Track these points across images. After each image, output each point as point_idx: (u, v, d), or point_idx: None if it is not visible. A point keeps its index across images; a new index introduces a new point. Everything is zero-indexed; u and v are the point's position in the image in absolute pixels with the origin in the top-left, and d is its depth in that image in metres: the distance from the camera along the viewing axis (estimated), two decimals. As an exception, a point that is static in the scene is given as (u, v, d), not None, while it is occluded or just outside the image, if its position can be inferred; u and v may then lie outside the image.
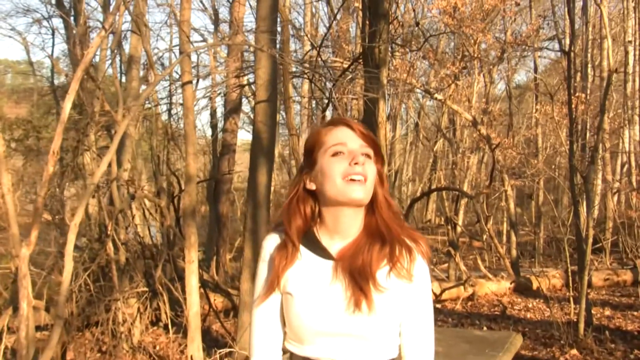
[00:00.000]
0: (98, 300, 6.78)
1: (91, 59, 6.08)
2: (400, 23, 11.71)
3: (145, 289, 7.15)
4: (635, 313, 9.02)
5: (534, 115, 17.61)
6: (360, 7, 11.50)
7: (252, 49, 9.89)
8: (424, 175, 22.60)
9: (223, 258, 11.96)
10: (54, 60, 12.23)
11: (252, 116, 14.51)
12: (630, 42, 15.74)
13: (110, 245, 6.92)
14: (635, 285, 10.60)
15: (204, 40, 17.21)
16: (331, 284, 1.68)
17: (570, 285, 8.40)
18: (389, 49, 9.53)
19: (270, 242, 1.78)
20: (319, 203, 1.75)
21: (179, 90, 9.17)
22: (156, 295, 7.23)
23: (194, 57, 13.73)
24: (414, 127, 23.55)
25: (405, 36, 12.70)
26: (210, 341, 7.30)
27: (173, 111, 12.84)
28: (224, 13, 23.97)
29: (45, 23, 15.17)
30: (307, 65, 10.89)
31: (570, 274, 8.44)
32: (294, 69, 11.15)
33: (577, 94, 11.95)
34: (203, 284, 7.76)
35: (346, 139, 1.70)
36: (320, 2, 18.08)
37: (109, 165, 6.53)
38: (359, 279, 1.65)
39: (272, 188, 10.35)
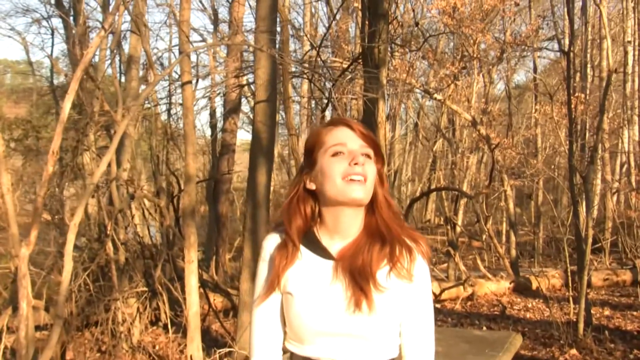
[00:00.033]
0: (97, 300, 6.78)
1: (90, 59, 6.08)
2: (400, 23, 11.72)
3: (145, 288, 7.15)
4: (634, 313, 9.03)
5: (533, 115, 17.63)
6: (360, 7, 11.50)
7: (251, 49, 9.89)
8: (424, 175, 22.60)
9: (222, 258, 11.96)
10: (54, 60, 12.23)
11: (251, 116, 14.52)
12: (629, 42, 15.74)
13: (109, 245, 6.92)
14: (635, 285, 10.60)
15: (204, 40, 17.23)
16: (331, 284, 1.68)
17: (570, 285, 8.39)
18: (389, 49, 9.54)
19: (271, 241, 1.79)
20: (319, 203, 1.75)
21: (179, 90, 9.16)
22: (156, 295, 7.22)
23: (193, 57, 13.74)
24: (413, 127, 23.56)
25: (404, 36, 12.71)
26: (210, 341, 7.30)
27: (172, 111, 12.85)
28: (223, 13, 23.97)
29: (44, 23, 15.19)
30: (306, 65, 10.90)
31: (569, 273, 8.44)
32: (293, 69, 11.14)
33: (576, 94, 11.97)
34: (202, 283, 7.76)
35: (346, 139, 1.70)
36: (319, 2, 18.09)
37: (109, 165, 6.53)
38: (359, 279, 1.65)
39: (272, 188, 10.34)
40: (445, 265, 12.09)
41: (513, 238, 13.11)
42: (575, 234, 8.69)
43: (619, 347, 7.22)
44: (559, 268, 11.81)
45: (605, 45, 13.24)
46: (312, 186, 1.74)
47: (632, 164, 15.81)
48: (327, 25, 17.88)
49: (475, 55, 12.80)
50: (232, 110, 12.84)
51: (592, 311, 8.25)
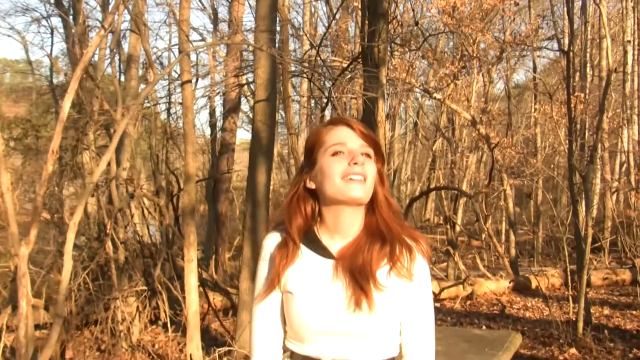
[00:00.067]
0: (97, 299, 6.78)
1: (90, 58, 6.08)
2: (400, 22, 11.71)
3: (144, 287, 7.15)
4: (634, 312, 9.03)
5: (532, 114, 17.62)
6: (359, 6, 11.51)
7: (251, 48, 9.88)
8: (423, 174, 22.62)
9: (222, 257, 11.96)
10: (53, 59, 12.23)
11: (251, 115, 14.51)
12: (629, 41, 15.75)
13: (109, 244, 6.92)
14: (634, 284, 10.60)
15: (203, 39, 17.24)
16: (332, 283, 1.68)
17: (569, 284, 8.40)
18: (388, 48, 9.53)
19: (271, 240, 1.79)
20: (319, 202, 1.75)
21: (178, 90, 9.17)
22: (155, 294, 7.23)
23: (193, 57, 13.74)
24: (413, 127, 23.58)
25: (404, 35, 12.70)
26: (209, 340, 7.30)
27: (172, 110, 12.88)
28: (223, 12, 23.96)
29: (44, 22, 15.18)
30: (306, 64, 10.90)
31: (569, 273, 8.44)
32: (293, 68, 11.13)
33: (576, 94, 11.97)
34: (202, 282, 7.76)
35: (346, 139, 1.70)
36: (319, 1, 18.12)
37: (108, 164, 6.54)
38: (359, 278, 1.65)
39: (271, 187, 10.34)
40: (445, 264, 12.09)
41: (512, 237, 13.11)
42: (574, 233, 8.69)
43: (618, 346, 7.22)
44: (558, 267, 11.82)
45: (604, 44, 13.25)
46: (312, 185, 1.74)
47: (632, 163, 15.83)
48: (326, 24, 17.90)
49: (474, 55, 12.80)
50: (231, 109, 12.84)
51: (591, 310, 8.25)
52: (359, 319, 1.65)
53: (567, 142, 10.76)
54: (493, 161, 11.61)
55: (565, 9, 14.73)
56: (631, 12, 16.00)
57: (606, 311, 9.17)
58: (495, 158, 11.74)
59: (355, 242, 1.72)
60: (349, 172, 1.66)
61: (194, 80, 11.99)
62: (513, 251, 12.80)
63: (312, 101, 16.68)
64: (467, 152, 17.02)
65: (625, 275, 11.35)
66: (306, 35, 16.28)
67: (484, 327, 8.40)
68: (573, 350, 6.98)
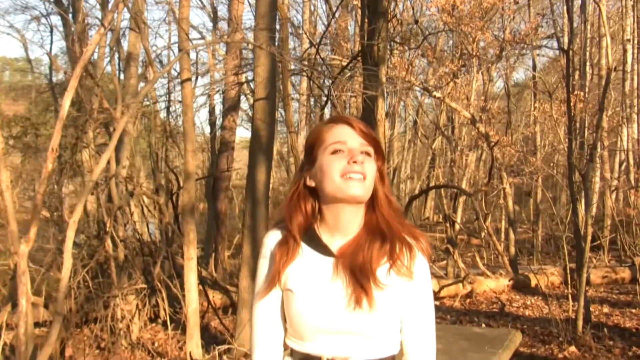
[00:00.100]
0: (97, 297, 6.78)
1: (90, 56, 6.08)
2: (399, 21, 11.73)
3: (144, 285, 7.15)
4: (633, 310, 9.04)
5: (532, 113, 17.60)
6: (359, 5, 11.51)
7: (250, 46, 9.88)
8: (423, 172, 22.64)
9: (221, 255, 11.97)
10: (53, 57, 12.22)
11: (250, 114, 14.52)
12: (628, 40, 15.73)
13: (109, 242, 6.92)
14: (634, 282, 10.61)
15: (203, 37, 17.20)
16: (332, 281, 1.68)
17: (569, 282, 8.41)
18: (388, 46, 9.54)
19: (271, 238, 1.79)
20: (319, 200, 1.75)
21: (178, 88, 9.20)
22: (155, 292, 7.23)
23: (192, 55, 13.77)
24: (412, 125, 23.59)
25: (404, 34, 12.72)
26: (209, 338, 7.30)
27: (172, 108, 12.85)
28: (222, 11, 23.99)
29: (43, 20, 15.15)
30: (305, 62, 10.91)
31: (568, 271, 8.45)
32: (292, 67, 11.14)
33: (575, 92, 11.97)
34: (202, 281, 7.77)
35: (346, 137, 1.70)
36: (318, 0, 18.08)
37: (108, 162, 6.53)
38: (359, 276, 1.65)
39: (271, 185, 10.35)
40: (444, 262, 12.10)
41: (512, 235, 13.12)
42: (574, 232, 8.70)
43: (617, 344, 7.23)
44: (557, 265, 11.83)
45: (604, 43, 13.25)
46: (312, 183, 1.74)
47: (631, 161, 15.80)
48: (326, 23, 17.89)
49: (474, 53, 12.79)
50: (231, 107, 12.84)
51: (591, 308, 8.26)
52: (359, 317, 1.65)
53: (566, 140, 10.77)
54: (492, 160, 11.61)
55: (564, 7, 14.73)
56: (631, 11, 15.98)
57: (606, 309, 9.18)
58: (494, 156, 11.74)
59: (356, 240, 1.72)
60: (349, 170, 1.66)
61: (193, 79, 11.98)
62: (512, 249, 12.81)
63: (312, 99, 16.70)
64: (467, 150, 17.00)
65: (625, 273, 11.36)
66: (306, 33, 16.28)
67: (483, 325, 8.41)
68: (572, 349, 6.98)
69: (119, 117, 6.07)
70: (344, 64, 10.62)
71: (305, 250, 1.73)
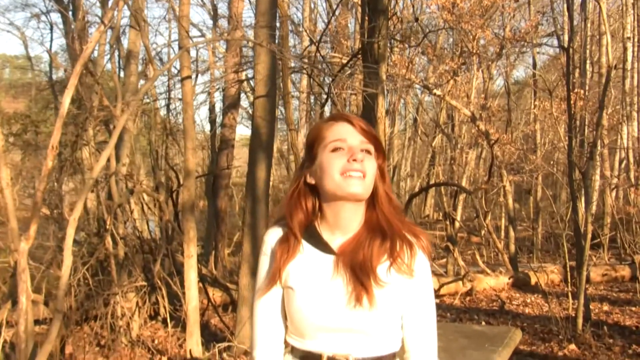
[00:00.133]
0: (97, 295, 6.78)
1: (90, 54, 6.07)
2: (399, 19, 11.72)
3: (144, 283, 7.14)
4: (633, 308, 9.04)
5: (532, 111, 17.62)
6: (359, 2, 11.51)
7: (251, 44, 9.89)
8: (423, 170, 22.63)
9: (221, 253, 11.97)
10: (53, 54, 12.21)
11: (250, 111, 14.50)
12: (629, 38, 15.73)
13: (109, 239, 6.91)
14: (634, 280, 10.61)
15: (203, 35, 17.19)
16: (332, 279, 1.69)
17: (569, 280, 8.39)
18: (388, 44, 9.54)
19: (272, 235, 1.79)
20: (320, 198, 1.76)
21: (178, 86, 9.20)
22: (155, 290, 7.22)
23: (192, 53, 13.77)
24: (412, 123, 23.58)
25: (404, 32, 12.70)
26: (209, 335, 7.30)
27: (172, 106, 12.86)
28: (222, 8, 23.87)
29: (43, 18, 15.10)
30: (306, 60, 10.90)
31: (568, 269, 8.45)
32: (292, 64, 11.14)
33: (575, 90, 11.96)
34: (202, 278, 7.77)
35: (346, 135, 1.70)
36: (318, -3, 18.07)
37: (108, 160, 6.53)
38: (360, 273, 1.66)
39: (271, 183, 10.35)
40: (444, 260, 12.09)
41: (512, 233, 13.12)
42: (574, 230, 8.70)
43: (617, 342, 7.23)
44: (557, 263, 11.83)
45: (604, 41, 13.21)
46: (312, 181, 1.75)
47: (631, 159, 15.80)
48: (326, 20, 17.90)
49: (474, 51, 12.79)
50: (231, 105, 12.84)
51: (590, 306, 8.26)
52: (360, 315, 1.65)
53: (566, 138, 10.77)
54: (492, 157, 11.61)
55: (565, 5, 14.73)
56: (631, 9, 15.97)
57: (605, 307, 9.19)
58: (494, 154, 11.73)
59: (356, 237, 1.72)
60: (348, 168, 1.66)
61: (193, 76, 12.00)
62: (512, 247, 12.80)
63: (312, 97, 16.68)
64: (467, 148, 17.01)
65: (625, 271, 11.37)
66: (306, 31, 16.27)
67: (483, 323, 8.41)
68: (572, 346, 6.98)
69: (119, 115, 6.08)
70: (344, 61, 10.61)
71: (305, 248, 1.73)
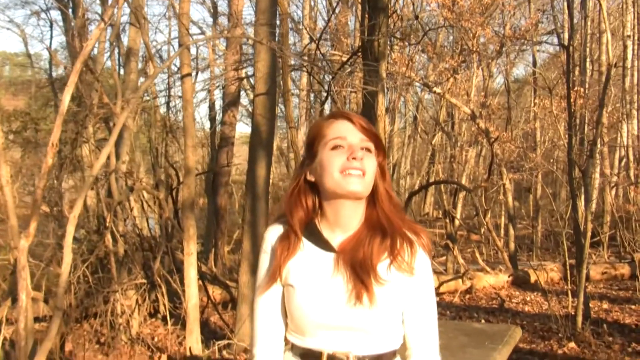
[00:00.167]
0: (96, 292, 6.77)
1: (90, 51, 6.06)
2: (400, 17, 11.72)
3: (144, 280, 7.14)
4: (632, 306, 9.04)
5: (532, 109, 17.60)
6: (359, 0, 11.49)
7: (251, 41, 9.87)
8: (422, 168, 22.60)
9: (221, 250, 11.98)
10: (52, 52, 12.22)
11: (250, 109, 14.52)
12: (629, 36, 15.73)
13: (108, 237, 6.91)
14: (633, 278, 10.62)
15: (203, 33, 17.21)
16: (332, 277, 1.69)
17: (568, 278, 8.40)
18: (388, 42, 9.53)
19: (272, 233, 1.79)
20: (320, 196, 1.76)
21: (178, 83, 9.16)
22: (155, 287, 7.22)
23: (192, 50, 13.72)
24: (412, 121, 23.56)
25: (404, 30, 12.70)
26: (209, 333, 7.31)
27: (171, 104, 12.84)
28: (222, 6, 23.90)
29: (43, 15, 15.19)
30: (306, 58, 10.88)
31: (568, 267, 8.45)
32: (293, 62, 11.13)
33: (575, 88, 11.94)
34: (201, 276, 7.76)
35: (346, 133, 1.70)
36: (318, -5, 18.05)
37: (108, 157, 6.52)
38: (360, 271, 1.66)
39: (271, 181, 10.35)
40: (444, 258, 12.10)
41: (512, 231, 13.11)
42: (573, 228, 8.70)
43: (617, 340, 7.24)
44: (557, 261, 11.83)
45: (604, 39, 13.21)
46: (312, 178, 1.75)
47: (631, 158, 15.82)
48: (326, 18, 17.87)
49: (474, 49, 12.78)
50: (231, 103, 12.83)
51: (590, 304, 8.26)
52: (360, 313, 1.65)
53: (566, 136, 10.76)
54: (492, 155, 11.60)
55: (565, 3, 14.72)
56: (631, 7, 15.97)
57: (605, 305, 9.19)
58: (494, 152, 11.72)
59: (356, 235, 1.72)
60: (348, 166, 1.66)
61: (193, 74, 11.96)
62: (512, 245, 12.80)
63: (312, 95, 16.67)
64: (467, 146, 17.01)
65: (624, 269, 11.37)
66: (306, 29, 16.26)
67: (483, 321, 8.42)
68: (572, 344, 6.99)
69: (119, 112, 6.07)
70: (344, 59, 10.61)
71: (306, 245, 1.73)
